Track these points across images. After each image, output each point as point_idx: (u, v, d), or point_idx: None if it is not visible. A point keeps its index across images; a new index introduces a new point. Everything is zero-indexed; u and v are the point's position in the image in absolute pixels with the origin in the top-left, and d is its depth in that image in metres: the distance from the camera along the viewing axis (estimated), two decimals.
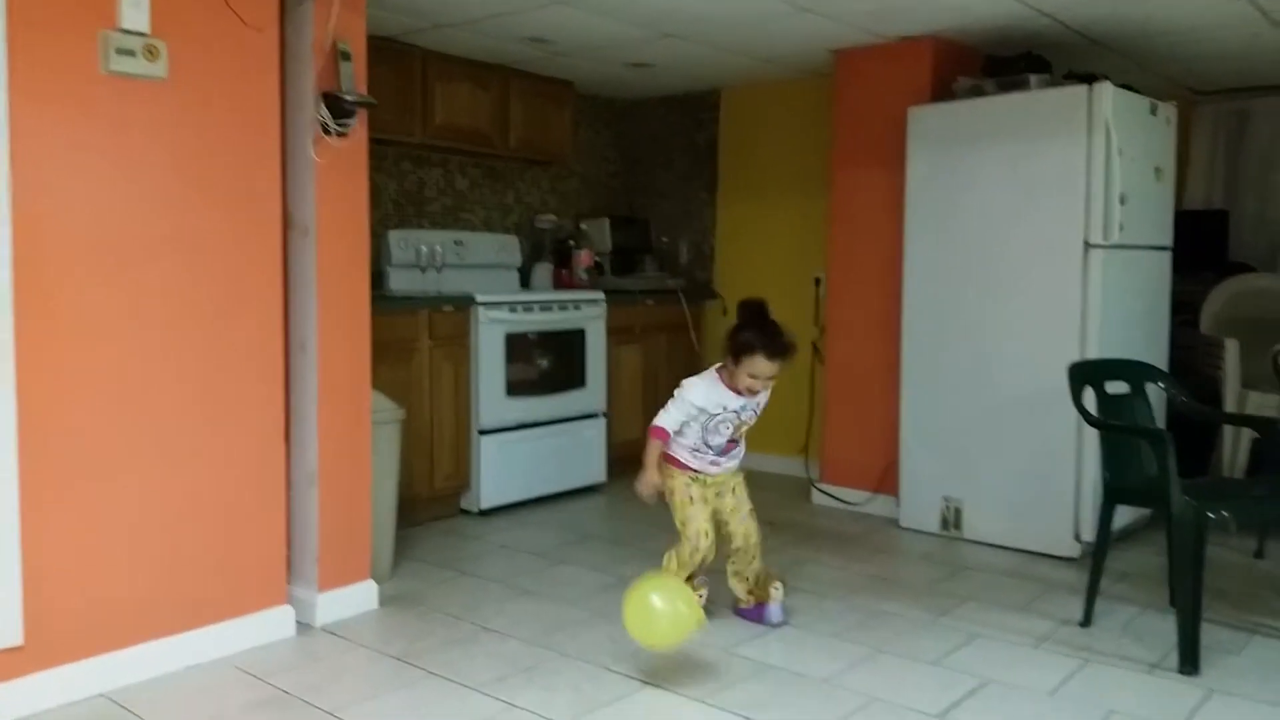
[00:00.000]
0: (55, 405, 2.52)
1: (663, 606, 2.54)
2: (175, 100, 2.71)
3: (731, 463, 3.09)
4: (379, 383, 3.47)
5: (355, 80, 3.09)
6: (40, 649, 2.52)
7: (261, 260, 2.93)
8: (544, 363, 4.68)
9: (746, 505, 3.13)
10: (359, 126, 3.14)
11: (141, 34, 2.59)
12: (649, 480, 2.96)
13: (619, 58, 4.80)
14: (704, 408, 2.94)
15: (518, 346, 4.55)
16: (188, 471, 2.78)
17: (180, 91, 2.72)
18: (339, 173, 3.10)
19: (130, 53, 2.58)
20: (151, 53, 2.62)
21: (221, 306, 2.84)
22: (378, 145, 4.36)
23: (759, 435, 5.43)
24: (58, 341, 2.52)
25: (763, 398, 2.99)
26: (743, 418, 3.00)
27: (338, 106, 3.02)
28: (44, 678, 2.52)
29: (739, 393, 2.94)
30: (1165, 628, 3.05)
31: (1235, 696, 2.62)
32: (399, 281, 4.61)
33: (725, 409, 2.94)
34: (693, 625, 2.55)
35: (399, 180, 4.85)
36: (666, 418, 2.96)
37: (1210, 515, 2.78)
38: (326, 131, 3.03)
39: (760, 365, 2.87)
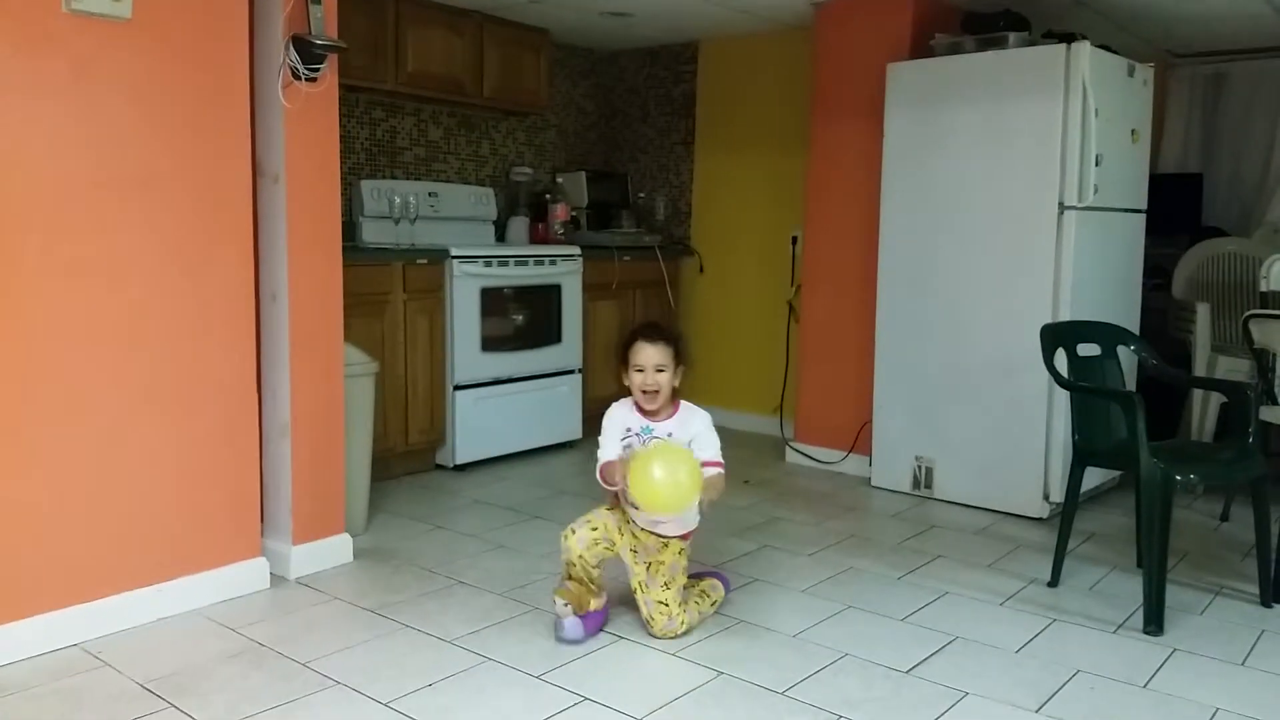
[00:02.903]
0: (16, 352, 2.47)
1: (663, 476, 2.51)
2: (139, 41, 2.63)
3: (664, 527, 2.71)
4: (352, 335, 3.43)
5: (325, 24, 3.01)
6: (11, 600, 2.49)
7: (230, 207, 2.87)
8: (519, 318, 4.64)
9: (656, 590, 2.69)
10: (329, 72, 3.07)
11: None
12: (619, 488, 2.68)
13: (596, 6, 4.72)
14: (623, 423, 2.74)
15: (493, 301, 4.51)
16: (157, 422, 2.74)
17: (145, 32, 2.63)
18: (309, 119, 3.03)
19: None
20: None
21: (189, 254, 2.78)
22: (349, 92, 4.28)
23: (735, 393, 5.52)
24: (17, 288, 2.46)
25: (670, 427, 2.70)
26: (644, 440, 2.70)
27: (307, 50, 2.95)
28: (15, 628, 2.50)
29: (643, 413, 2.72)
30: (1131, 588, 3.10)
31: (1198, 656, 2.68)
32: (372, 233, 4.55)
33: (630, 431, 2.72)
34: (693, 493, 2.54)
35: (371, 129, 4.76)
36: (602, 451, 2.74)
37: (1177, 478, 2.82)
38: (296, 76, 2.96)
39: (642, 352, 2.67)
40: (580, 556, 2.70)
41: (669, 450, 2.59)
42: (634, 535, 2.73)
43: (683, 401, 2.77)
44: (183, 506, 2.82)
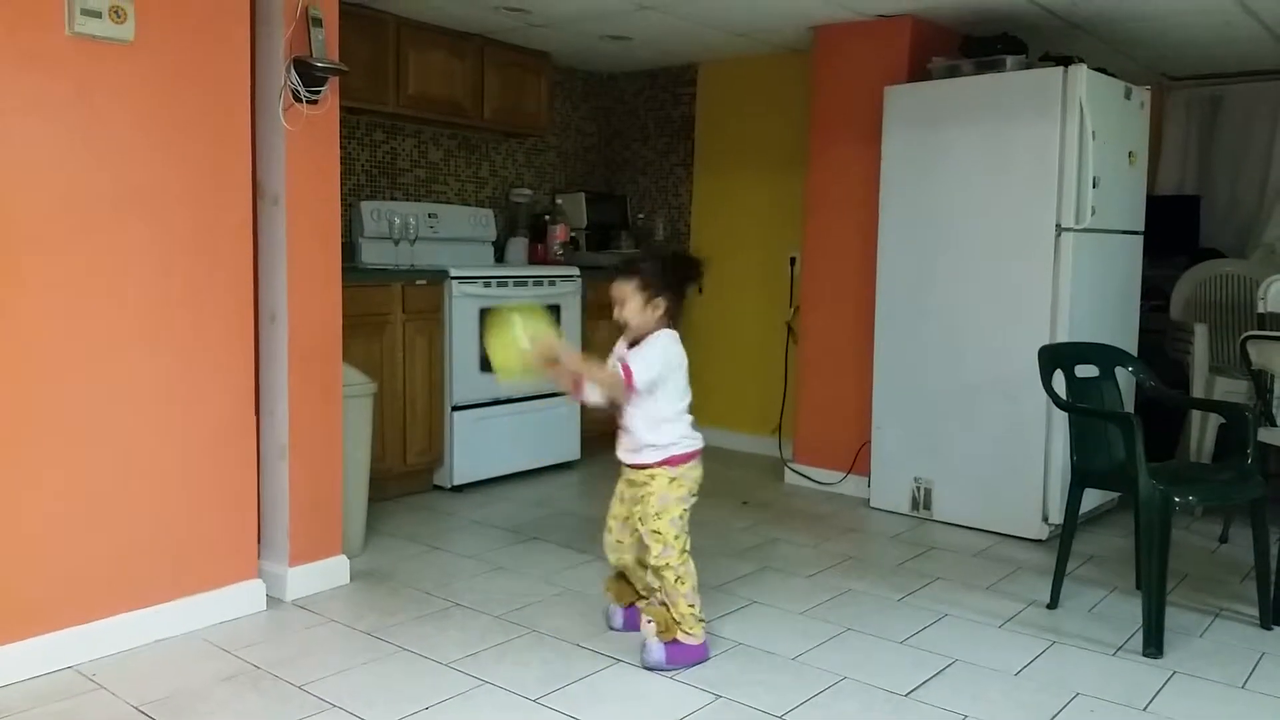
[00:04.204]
0: (13, 373, 2.47)
1: (495, 334, 2.66)
2: (142, 64, 2.64)
3: (624, 453, 2.75)
4: (351, 356, 3.44)
5: (327, 46, 3.04)
6: (5, 622, 2.48)
7: (231, 229, 2.88)
8: None
9: (650, 520, 2.67)
10: (330, 94, 3.09)
11: None
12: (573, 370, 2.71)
13: (596, 30, 4.75)
14: (616, 352, 2.76)
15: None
16: (155, 443, 2.74)
17: (148, 55, 2.65)
18: (310, 141, 3.05)
19: (96, 14, 2.51)
20: (118, 15, 2.55)
21: (190, 275, 2.79)
22: (349, 114, 4.30)
23: (733, 414, 5.52)
24: (19, 309, 2.47)
25: (635, 356, 2.65)
26: (609, 362, 2.71)
27: (309, 73, 2.97)
28: (10, 651, 2.49)
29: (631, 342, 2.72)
30: (1131, 610, 3.09)
31: (1198, 679, 2.67)
32: (371, 254, 4.56)
33: (616, 356, 2.74)
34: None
35: (371, 150, 4.79)
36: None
37: (1176, 500, 2.82)
38: (297, 99, 2.98)
39: (610, 289, 2.72)
40: (609, 557, 2.86)
41: (514, 318, 2.66)
42: (626, 482, 2.77)
43: (665, 330, 2.67)
44: (179, 528, 2.82)
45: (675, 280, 2.69)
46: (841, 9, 4.23)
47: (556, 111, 5.63)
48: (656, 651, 2.65)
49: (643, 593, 2.86)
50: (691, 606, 2.67)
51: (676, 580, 2.65)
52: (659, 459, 2.67)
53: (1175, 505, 2.82)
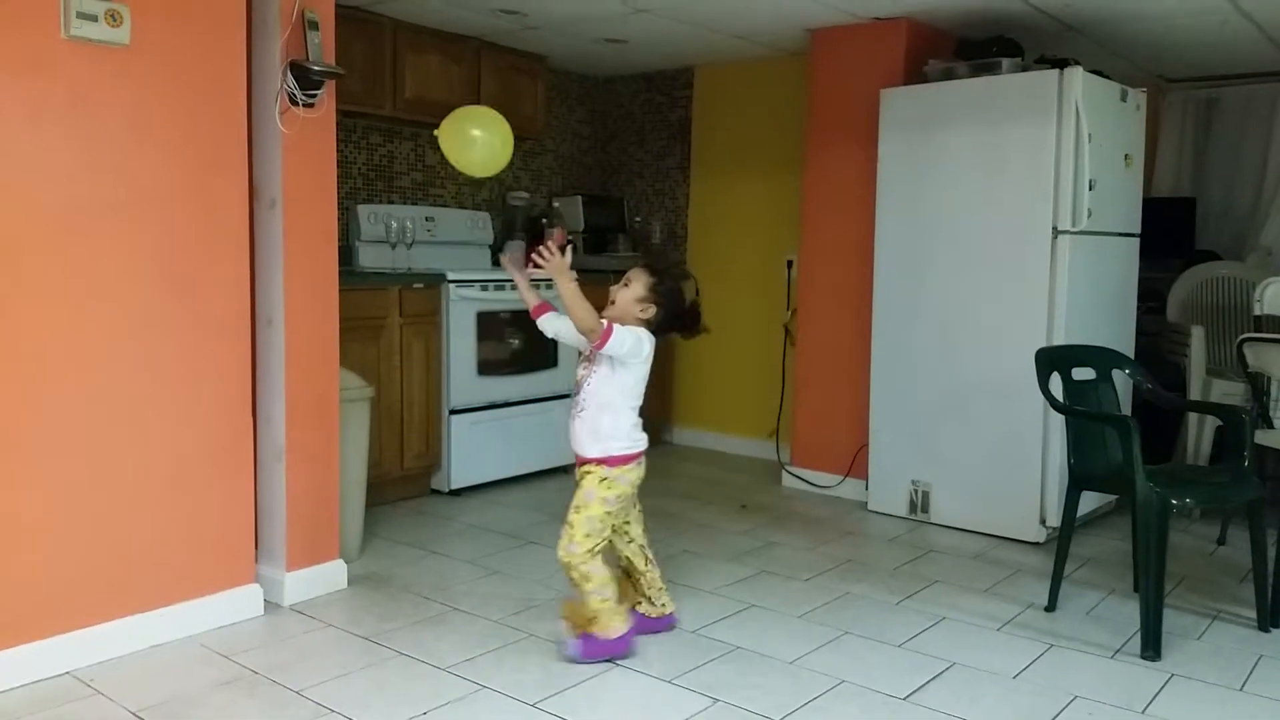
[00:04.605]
0: (9, 376, 2.46)
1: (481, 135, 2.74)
2: (138, 67, 2.64)
3: (572, 442, 2.76)
4: (348, 360, 3.43)
5: (323, 50, 3.04)
6: (3, 628, 2.47)
7: (227, 232, 2.88)
8: (515, 342, 4.64)
9: (569, 512, 2.70)
10: (327, 97, 3.09)
11: None
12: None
13: (593, 33, 4.75)
14: None
15: (489, 325, 4.51)
16: (152, 447, 2.73)
17: (144, 58, 2.65)
18: (306, 144, 3.05)
19: (92, 17, 2.51)
20: (114, 18, 2.55)
21: (187, 279, 2.78)
22: (346, 117, 4.30)
23: (731, 417, 5.52)
24: (15, 313, 2.46)
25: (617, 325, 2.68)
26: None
27: (305, 77, 2.97)
28: (6, 656, 2.48)
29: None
30: (1128, 612, 3.09)
31: (1195, 681, 2.67)
32: (368, 257, 4.56)
33: None
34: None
35: (368, 154, 4.78)
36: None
37: (1174, 502, 2.82)
38: (294, 102, 2.98)
39: (632, 270, 2.82)
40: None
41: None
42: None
43: (641, 328, 2.70)
44: (176, 532, 2.81)
45: (675, 313, 2.77)
46: (837, 12, 4.23)
47: (553, 114, 5.63)
48: (571, 647, 2.70)
49: (647, 593, 2.88)
50: (605, 601, 2.67)
51: (581, 579, 2.66)
52: (598, 455, 2.68)
53: (1173, 508, 2.82)
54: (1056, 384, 3.20)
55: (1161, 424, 4.33)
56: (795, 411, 4.79)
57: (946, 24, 4.34)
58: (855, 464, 4.50)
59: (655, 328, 2.73)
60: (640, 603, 2.89)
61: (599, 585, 2.66)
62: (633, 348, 2.65)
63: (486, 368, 4.50)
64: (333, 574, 3.22)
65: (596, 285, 5.02)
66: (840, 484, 4.58)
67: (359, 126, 4.69)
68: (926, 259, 4.11)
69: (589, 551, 2.64)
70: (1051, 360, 3.23)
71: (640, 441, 2.74)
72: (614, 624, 2.69)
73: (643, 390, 2.75)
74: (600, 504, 2.66)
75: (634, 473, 2.72)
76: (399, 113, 4.52)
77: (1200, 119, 5.58)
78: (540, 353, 4.75)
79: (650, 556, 2.89)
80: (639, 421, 2.75)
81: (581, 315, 2.61)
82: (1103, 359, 3.40)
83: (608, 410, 2.68)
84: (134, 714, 2.37)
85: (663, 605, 2.90)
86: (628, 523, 2.83)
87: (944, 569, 3.58)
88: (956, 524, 4.08)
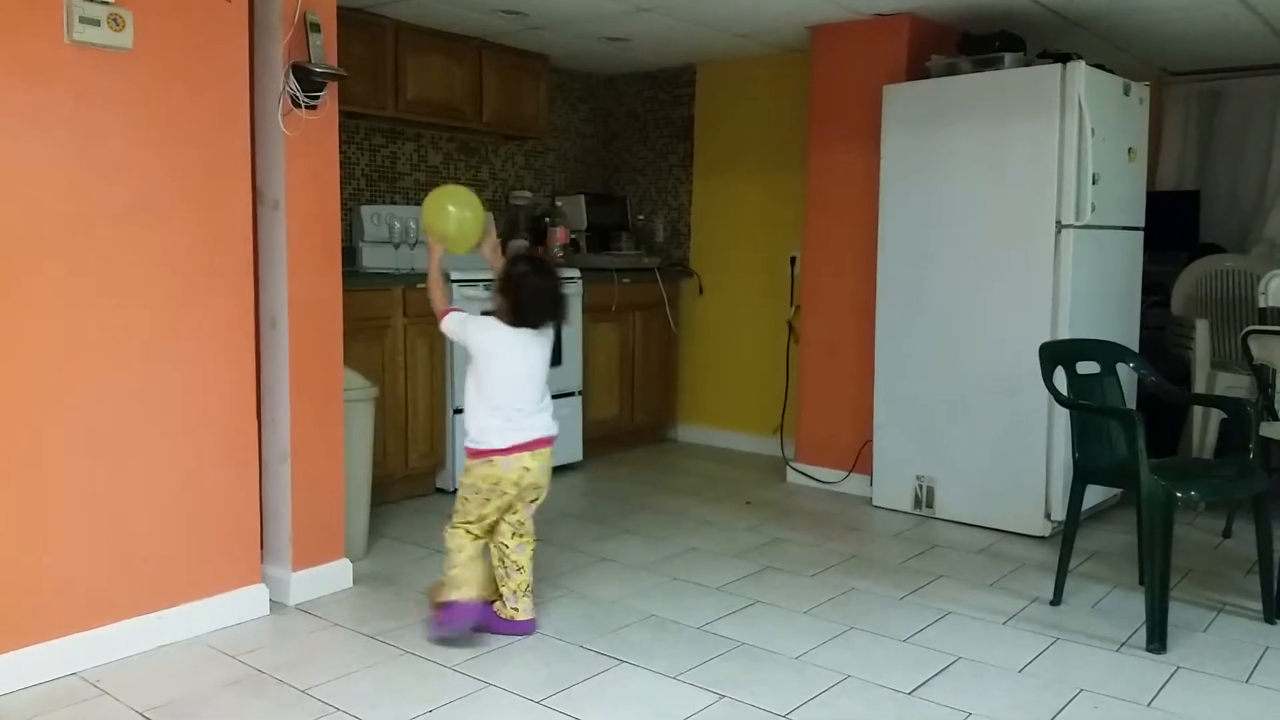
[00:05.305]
0: (15, 379, 2.48)
1: (455, 211, 2.86)
2: (141, 71, 2.65)
3: None
4: (352, 360, 3.44)
5: (325, 52, 3.04)
6: (9, 629, 2.49)
7: (231, 234, 2.89)
8: None
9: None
10: (329, 99, 3.09)
11: (106, 3, 2.53)
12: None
13: (594, 32, 4.75)
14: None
15: None
16: (157, 449, 2.74)
17: (146, 62, 2.66)
18: (309, 146, 3.05)
19: (95, 22, 2.52)
20: (117, 22, 2.56)
21: (190, 281, 2.79)
22: (348, 119, 4.30)
23: (735, 414, 5.52)
24: (20, 316, 2.47)
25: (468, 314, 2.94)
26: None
27: (307, 79, 2.97)
28: (14, 657, 2.49)
29: None
30: (1134, 606, 3.09)
31: (1201, 674, 2.67)
32: (372, 258, 4.56)
33: None
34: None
35: (371, 155, 4.79)
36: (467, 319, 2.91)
37: (1179, 495, 2.82)
38: (296, 104, 2.98)
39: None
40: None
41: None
42: None
43: (490, 317, 2.81)
44: (182, 533, 2.82)
45: (517, 300, 2.78)
46: (839, 8, 4.23)
47: (555, 114, 5.63)
48: (432, 618, 2.85)
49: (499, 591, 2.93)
50: (455, 569, 2.81)
51: (447, 549, 2.83)
52: (467, 443, 2.81)
53: (1178, 501, 2.82)
54: (1061, 378, 3.20)
55: (1166, 418, 4.32)
56: (799, 407, 4.79)
57: (949, 20, 4.34)
58: (859, 460, 4.50)
59: (512, 318, 2.77)
60: (495, 601, 2.89)
61: (451, 556, 2.83)
62: (458, 335, 2.84)
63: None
64: (338, 573, 3.23)
65: (601, 283, 5.08)
66: (845, 480, 4.58)
67: (361, 128, 4.69)
68: (930, 254, 4.11)
69: (452, 526, 2.83)
70: (1056, 354, 3.23)
71: (486, 442, 2.75)
72: (447, 593, 2.82)
73: (507, 387, 2.77)
74: (465, 488, 2.81)
75: (483, 469, 2.76)
76: (401, 113, 4.53)
77: (1204, 112, 5.56)
78: None
79: (515, 561, 2.86)
80: (503, 425, 2.75)
81: (434, 296, 2.90)
82: (1107, 353, 3.40)
83: (468, 403, 2.82)
84: (141, 714, 2.39)
85: (514, 609, 2.86)
86: (505, 521, 2.86)
87: (949, 564, 3.58)
88: (961, 519, 4.08)
